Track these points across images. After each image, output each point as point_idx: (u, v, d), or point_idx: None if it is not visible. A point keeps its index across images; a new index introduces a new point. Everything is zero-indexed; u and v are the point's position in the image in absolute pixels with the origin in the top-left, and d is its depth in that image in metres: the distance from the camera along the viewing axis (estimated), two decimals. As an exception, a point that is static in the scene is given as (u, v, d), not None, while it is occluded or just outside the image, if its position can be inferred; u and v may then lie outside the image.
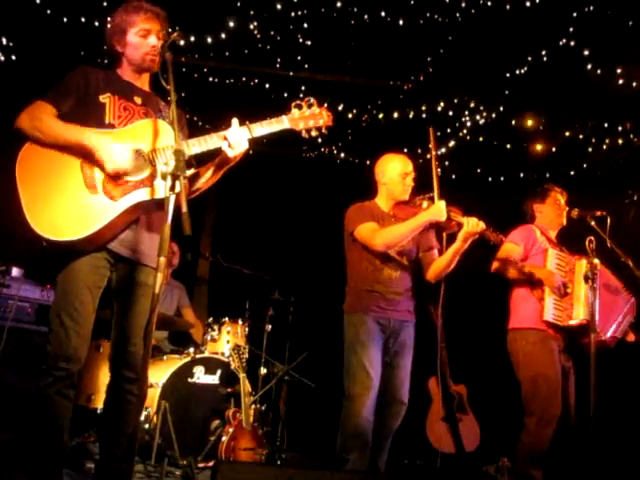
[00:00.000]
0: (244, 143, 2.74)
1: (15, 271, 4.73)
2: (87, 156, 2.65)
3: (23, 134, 2.66)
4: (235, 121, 2.76)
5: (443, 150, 6.36)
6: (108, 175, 2.66)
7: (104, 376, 4.53)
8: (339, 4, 4.87)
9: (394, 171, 3.84)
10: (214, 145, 2.74)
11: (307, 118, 2.82)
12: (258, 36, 5.15)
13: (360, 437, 3.49)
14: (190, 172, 2.79)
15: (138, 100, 2.89)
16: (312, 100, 2.85)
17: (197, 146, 2.73)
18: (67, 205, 2.62)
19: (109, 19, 2.95)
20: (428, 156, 3.77)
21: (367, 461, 3.53)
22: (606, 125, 5.86)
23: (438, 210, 3.55)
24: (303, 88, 5.76)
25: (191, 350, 4.75)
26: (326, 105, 2.87)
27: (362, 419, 3.48)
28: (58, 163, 2.65)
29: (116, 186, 2.67)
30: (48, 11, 4.85)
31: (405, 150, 6.28)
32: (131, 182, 2.69)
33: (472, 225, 3.52)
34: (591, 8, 4.75)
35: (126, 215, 2.70)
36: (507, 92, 5.69)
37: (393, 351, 3.69)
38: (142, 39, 2.85)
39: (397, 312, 3.70)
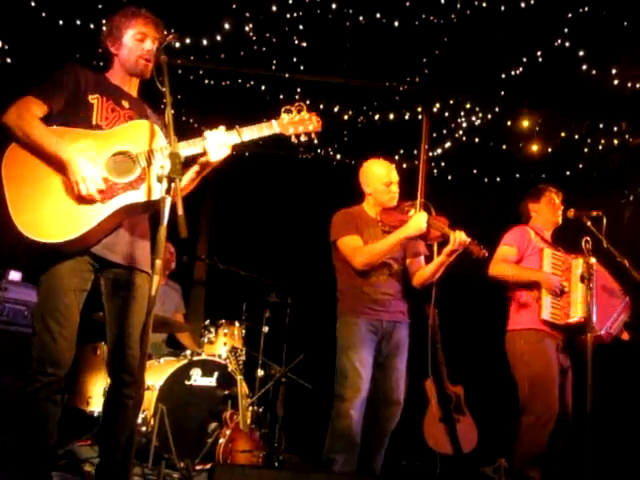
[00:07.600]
0: (226, 148, 2.74)
1: (12, 274, 4.72)
2: (61, 168, 2.60)
3: (7, 130, 2.60)
4: (222, 128, 2.76)
5: (439, 151, 6.37)
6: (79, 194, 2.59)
7: (101, 379, 4.55)
8: (334, 6, 4.87)
9: (378, 181, 3.80)
10: (202, 148, 2.72)
11: (297, 123, 2.82)
12: (253, 38, 5.15)
13: (348, 438, 3.50)
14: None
15: (125, 104, 2.85)
16: (302, 105, 2.84)
17: (186, 148, 2.71)
18: (53, 207, 2.58)
19: (106, 21, 2.95)
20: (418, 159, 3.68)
21: (355, 462, 3.52)
22: (601, 125, 5.88)
23: (417, 224, 3.53)
24: (299, 90, 5.76)
25: (188, 352, 4.74)
26: (316, 112, 2.86)
27: (352, 420, 3.49)
28: (45, 164, 2.61)
29: (103, 189, 2.63)
30: (43, 14, 4.85)
31: (401, 151, 6.32)
32: (119, 184, 2.66)
33: (459, 242, 3.51)
34: (586, 9, 4.76)
35: (112, 218, 2.66)
36: (502, 93, 5.70)
37: (386, 352, 3.70)
38: (138, 42, 2.84)
39: (388, 313, 3.70)
